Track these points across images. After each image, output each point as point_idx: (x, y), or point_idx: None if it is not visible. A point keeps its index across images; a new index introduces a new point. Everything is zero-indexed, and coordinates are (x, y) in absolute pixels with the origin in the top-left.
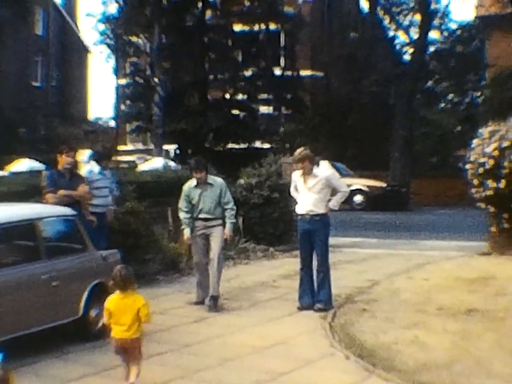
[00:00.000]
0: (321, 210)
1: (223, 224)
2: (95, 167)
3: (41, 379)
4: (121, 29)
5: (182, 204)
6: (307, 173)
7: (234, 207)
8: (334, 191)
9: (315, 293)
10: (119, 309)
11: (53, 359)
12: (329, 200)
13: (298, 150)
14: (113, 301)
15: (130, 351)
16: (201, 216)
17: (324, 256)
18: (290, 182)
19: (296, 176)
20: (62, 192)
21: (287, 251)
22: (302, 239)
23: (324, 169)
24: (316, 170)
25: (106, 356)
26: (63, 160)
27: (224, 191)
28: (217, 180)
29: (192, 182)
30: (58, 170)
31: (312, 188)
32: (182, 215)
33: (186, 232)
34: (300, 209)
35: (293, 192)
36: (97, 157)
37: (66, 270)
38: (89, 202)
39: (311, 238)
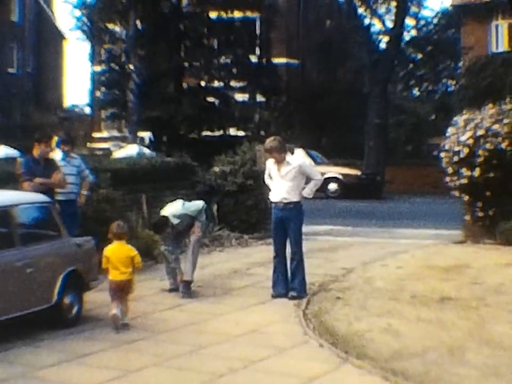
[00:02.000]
0: (294, 198)
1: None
2: (58, 154)
3: (15, 366)
4: (97, 15)
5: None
6: (279, 162)
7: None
8: (308, 179)
9: (288, 281)
10: (117, 256)
11: (27, 346)
12: (304, 188)
13: (268, 140)
14: (112, 249)
15: (124, 291)
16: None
17: (297, 244)
18: (265, 169)
19: (270, 164)
20: (38, 180)
21: (261, 238)
22: (276, 227)
23: (298, 157)
24: (289, 158)
25: (80, 343)
26: (41, 149)
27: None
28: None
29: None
30: (34, 157)
31: (285, 175)
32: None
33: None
34: (274, 197)
35: (267, 180)
36: (59, 143)
37: (40, 257)
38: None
39: (285, 226)
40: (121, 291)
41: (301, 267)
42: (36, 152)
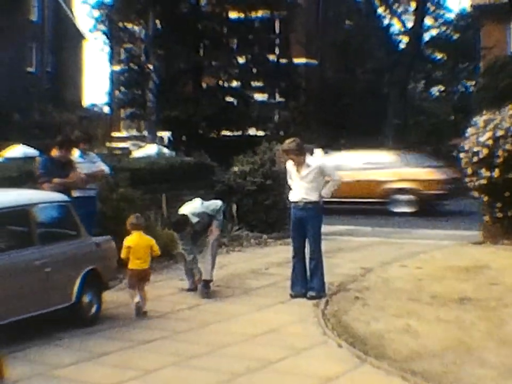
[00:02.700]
0: (313, 198)
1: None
2: (76, 152)
3: (34, 365)
4: (116, 16)
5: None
6: (298, 163)
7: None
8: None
9: (307, 281)
10: (139, 245)
11: (46, 345)
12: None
13: (286, 141)
14: (132, 239)
15: (144, 280)
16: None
17: (316, 243)
18: (284, 169)
19: (290, 166)
20: (56, 180)
21: (280, 238)
22: (295, 226)
23: (317, 158)
24: (308, 159)
25: (99, 342)
26: (60, 153)
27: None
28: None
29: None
30: (52, 157)
31: (305, 177)
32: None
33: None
34: (293, 197)
35: (289, 180)
36: (76, 141)
37: (59, 256)
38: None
39: (304, 226)
40: (140, 280)
41: (320, 267)
42: (54, 154)
